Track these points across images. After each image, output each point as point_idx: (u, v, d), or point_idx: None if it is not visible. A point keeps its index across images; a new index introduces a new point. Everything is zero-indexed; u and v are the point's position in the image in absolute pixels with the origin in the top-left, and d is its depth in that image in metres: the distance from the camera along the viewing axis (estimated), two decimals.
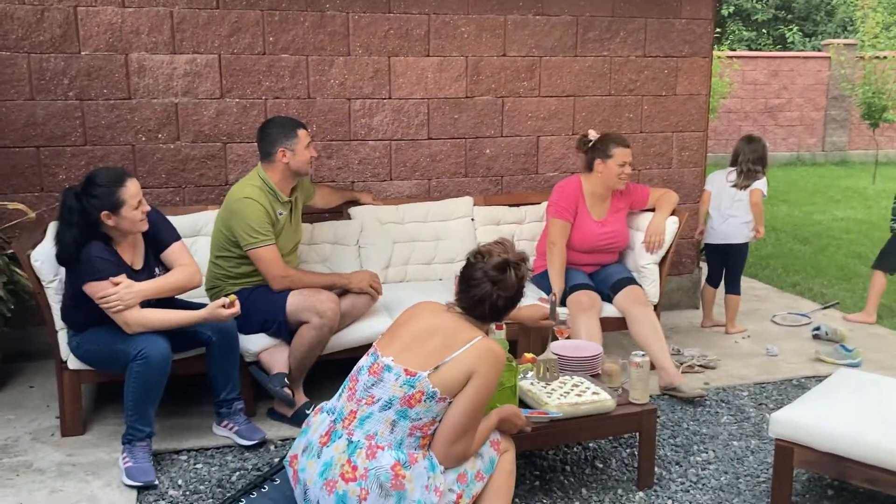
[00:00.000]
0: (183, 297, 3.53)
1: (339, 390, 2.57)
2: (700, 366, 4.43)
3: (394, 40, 4.59)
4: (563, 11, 4.86)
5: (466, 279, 2.56)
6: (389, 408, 2.38)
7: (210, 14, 4.27)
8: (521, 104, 4.90)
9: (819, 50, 15.30)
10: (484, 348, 2.43)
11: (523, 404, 2.97)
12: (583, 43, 4.94)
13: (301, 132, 3.70)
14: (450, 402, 2.41)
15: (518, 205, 4.78)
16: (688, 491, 3.16)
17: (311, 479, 2.39)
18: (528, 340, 4.01)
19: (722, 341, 4.90)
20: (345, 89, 4.55)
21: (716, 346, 4.77)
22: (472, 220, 4.66)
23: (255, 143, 3.80)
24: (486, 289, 2.52)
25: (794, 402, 3.08)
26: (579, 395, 3.02)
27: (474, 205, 4.70)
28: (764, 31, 18.76)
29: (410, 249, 4.48)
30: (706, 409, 3.91)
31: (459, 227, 4.63)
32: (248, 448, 3.43)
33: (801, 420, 2.89)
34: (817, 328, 4.99)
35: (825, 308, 5.58)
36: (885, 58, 12.60)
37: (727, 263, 5.05)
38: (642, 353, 3.20)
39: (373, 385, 2.43)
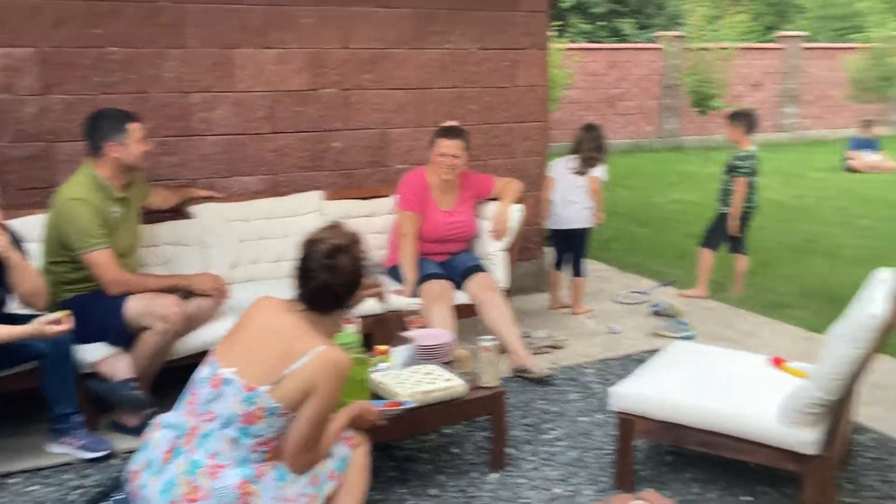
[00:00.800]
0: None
1: (178, 402, 2.47)
2: (549, 346, 4.59)
3: (232, 32, 4.45)
4: (404, 4, 4.88)
5: (300, 272, 2.44)
6: (230, 426, 2.29)
7: (29, 4, 3.98)
8: (367, 96, 4.89)
9: (652, 42, 16.17)
10: (322, 361, 2.31)
11: (376, 396, 2.97)
12: (425, 35, 4.98)
13: (132, 125, 3.53)
14: (293, 417, 2.32)
15: (369, 198, 4.76)
16: (538, 468, 3.27)
17: (153, 496, 2.28)
18: (382, 333, 4.02)
19: (569, 322, 5.10)
20: (181, 83, 4.37)
21: (563, 327, 4.96)
22: (323, 214, 4.61)
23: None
24: (323, 278, 2.40)
25: (632, 375, 3.25)
26: (431, 383, 3.05)
27: (324, 199, 4.65)
28: (601, 23, 19.65)
29: (258, 248, 4.37)
30: (555, 388, 4.06)
31: (309, 222, 4.53)
32: (89, 463, 3.25)
33: (639, 392, 3.05)
34: (656, 305, 5.29)
35: (662, 286, 5.92)
36: (710, 49, 13.50)
37: (571, 248, 5.25)
38: (491, 337, 3.27)
39: (212, 400, 2.32)
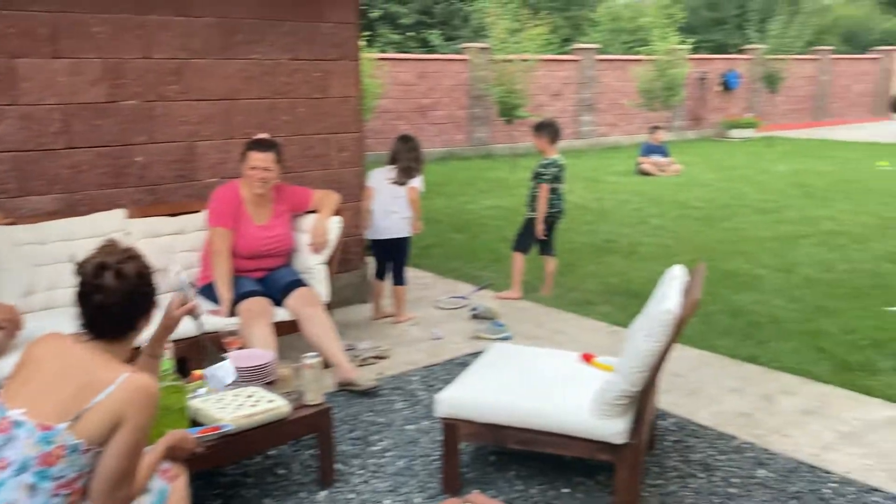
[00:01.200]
0: None
1: None
2: (374, 357, 4.60)
3: (15, 40, 4.10)
4: (207, 13, 4.71)
5: (76, 297, 2.25)
6: (25, 471, 2.08)
7: None
8: (172, 108, 4.67)
9: (459, 53, 16.66)
10: (130, 389, 2.14)
11: (196, 424, 2.84)
12: (231, 45, 4.84)
13: None
14: (99, 452, 2.15)
15: (177, 214, 4.55)
16: (367, 481, 3.26)
17: None
18: (198, 357, 3.85)
19: (393, 331, 5.14)
20: None
21: (388, 337, 4.99)
22: (128, 233, 4.34)
23: None
24: (96, 299, 2.21)
25: (456, 381, 3.32)
26: (253, 406, 2.96)
27: (129, 217, 4.39)
28: (410, 34, 20.00)
29: (56, 273, 4.04)
30: (381, 399, 4.08)
31: None
32: None
33: (461, 397, 3.13)
34: (474, 308, 5.45)
35: (480, 289, 6.11)
36: (513, 61, 14.10)
37: (392, 257, 5.29)
38: (314, 354, 3.23)
39: (3, 445, 2.11)
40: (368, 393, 4.10)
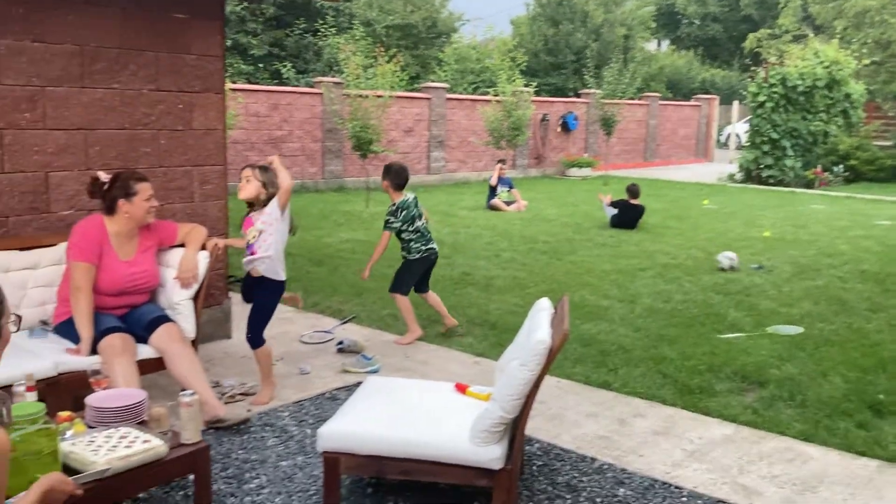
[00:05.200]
0: None
1: None
2: (241, 394, 4.54)
3: None
4: (66, 40, 4.54)
5: None
6: None
7: None
8: (24, 137, 4.45)
9: (312, 86, 16.68)
10: None
11: (68, 469, 2.72)
12: (90, 74, 4.68)
13: None
14: None
15: (30, 248, 4.32)
16: None
17: None
18: (59, 399, 3.68)
19: (257, 367, 5.06)
20: None
21: (253, 373, 4.91)
22: None
23: None
24: None
25: (335, 414, 3.36)
26: (129, 447, 2.88)
27: None
28: (261, 65, 19.79)
29: None
30: (253, 436, 4.03)
31: None
32: None
33: (344, 430, 3.18)
34: (340, 342, 5.48)
35: (344, 322, 6.15)
36: (367, 97, 14.29)
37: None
38: (191, 392, 3.17)
39: None
40: (240, 428, 4.04)
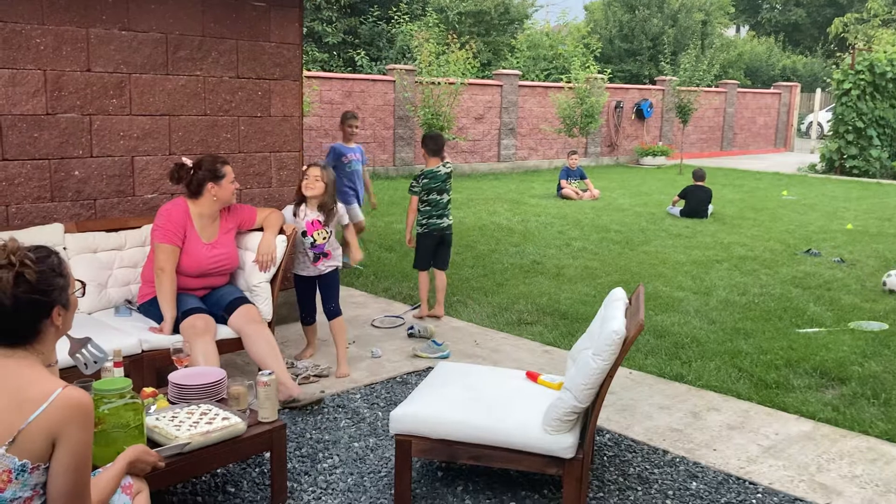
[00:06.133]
0: None
1: None
2: (314, 376, 4.63)
3: None
4: (152, 28, 4.68)
5: None
6: None
7: None
8: (111, 122, 4.61)
9: (384, 74, 16.79)
10: (63, 405, 2.05)
11: (152, 442, 2.82)
12: (174, 61, 4.82)
13: None
14: (48, 467, 2.08)
15: (116, 230, 4.49)
16: (319, 498, 3.30)
17: None
18: (141, 375, 3.83)
19: (331, 349, 5.14)
20: None
21: (326, 355, 5.02)
22: (65, 248, 4.26)
23: None
24: None
25: (407, 399, 3.40)
26: (209, 423, 2.97)
27: (66, 232, 4.30)
28: (335, 53, 20.03)
29: None
30: (326, 417, 4.11)
31: None
32: None
33: (416, 414, 3.21)
34: (411, 328, 5.53)
35: (414, 308, 6.20)
36: (439, 83, 14.33)
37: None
38: (269, 371, 3.26)
39: None
40: (314, 407, 4.13)
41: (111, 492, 2.36)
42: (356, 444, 3.81)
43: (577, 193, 13.00)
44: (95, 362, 2.66)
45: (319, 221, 4.69)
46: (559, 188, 13.20)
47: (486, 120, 17.49)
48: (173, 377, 3.26)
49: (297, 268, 4.85)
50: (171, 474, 2.81)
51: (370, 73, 18.51)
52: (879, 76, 18.04)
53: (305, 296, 4.91)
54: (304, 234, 4.70)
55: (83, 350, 2.65)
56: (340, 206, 4.81)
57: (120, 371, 3.05)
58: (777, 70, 33.44)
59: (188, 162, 4.24)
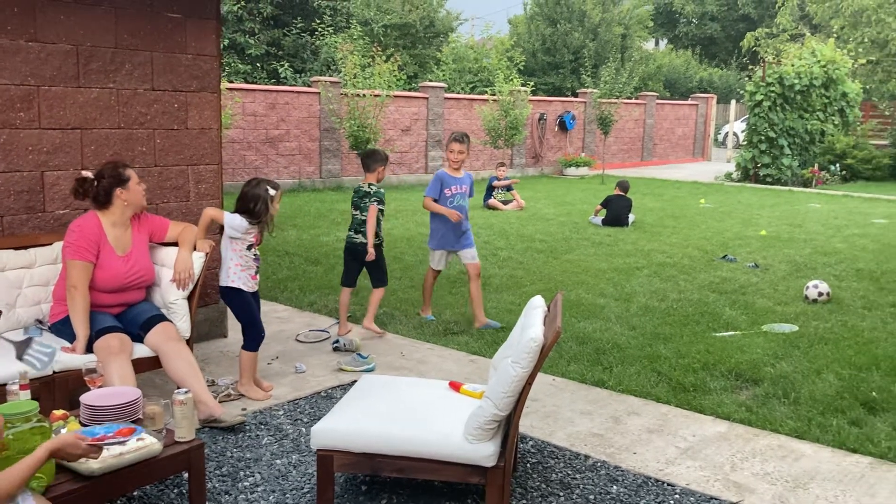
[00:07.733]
0: None
1: None
2: (237, 393, 4.54)
3: None
4: (62, 39, 4.55)
5: None
6: None
7: None
8: (19, 136, 4.45)
9: (309, 86, 16.69)
10: None
11: (62, 467, 2.73)
12: (86, 73, 4.69)
13: None
14: None
15: (26, 247, 4.33)
16: None
17: None
18: (52, 397, 3.70)
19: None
20: None
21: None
22: None
23: None
24: None
25: (329, 413, 3.37)
26: (122, 444, 2.89)
27: None
28: (258, 65, 19.79)
29: None
30: (247, 434, 4.04)
31: None
32: None
33: (338, 428, 3.19)
34: (336, 341, 5.49)
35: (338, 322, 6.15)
36: (364, 96, 14.31)
37: None
38: (185, 390, 3.19)
39: None
40: (235, 428, 4.05)
41: (22, 480, 2.29)
42: (278, 461, 3.75)
43: (503, 204, 13.15)
44: (46, 359, 2.57)
45: (259, 235, 4.57)
46: (487, 197, 13.32)
47: (413, 132, 17.55)
48: (85, 398, 3.16)
49: (243, 283, 4.51)
50: (83, 499, 2.72)
51: (294, 85, 18.35)
52: (788, 88, 18.84)
53: (256, 313, 4.62)
54: (249, 247, 4.51)
55: (29, 351, 2.57)
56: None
57: (27, 394, 2.94)
58: (694, 82, 34.55)
59: (89, 174, 4.13)
